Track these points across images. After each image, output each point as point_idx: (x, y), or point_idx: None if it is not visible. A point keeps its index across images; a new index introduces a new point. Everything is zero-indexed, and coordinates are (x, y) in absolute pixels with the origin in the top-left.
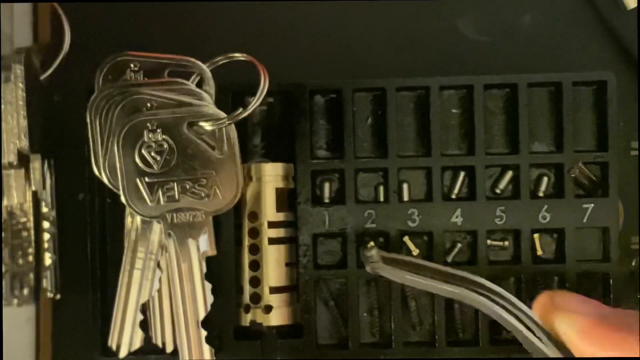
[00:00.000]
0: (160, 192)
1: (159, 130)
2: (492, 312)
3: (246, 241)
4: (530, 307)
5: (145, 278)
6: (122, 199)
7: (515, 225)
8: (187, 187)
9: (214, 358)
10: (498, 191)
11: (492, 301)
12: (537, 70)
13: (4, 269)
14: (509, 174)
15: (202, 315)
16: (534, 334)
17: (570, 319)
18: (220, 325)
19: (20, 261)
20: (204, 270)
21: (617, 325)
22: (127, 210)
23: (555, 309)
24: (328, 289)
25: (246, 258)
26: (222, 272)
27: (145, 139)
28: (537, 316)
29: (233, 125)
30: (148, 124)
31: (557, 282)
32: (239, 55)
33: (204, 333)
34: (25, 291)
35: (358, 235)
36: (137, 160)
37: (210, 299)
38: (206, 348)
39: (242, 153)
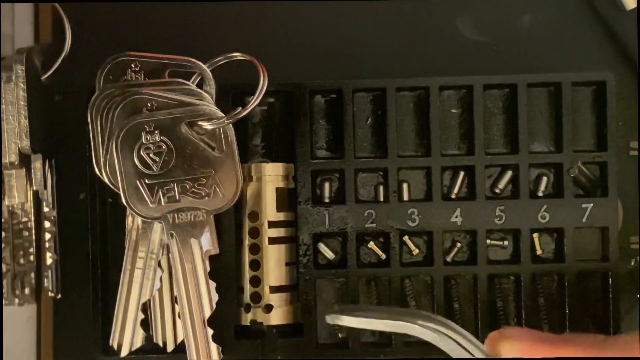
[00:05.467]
0: (160, 193)
1: (156, 132)
2: (441, 344)
3: (247, 241)
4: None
5: (146, 277)
6: (123, 201)
7: (515, 225)
8: (187, 187)
9: (222, 356)
10: (497, 191)
11: (442, 334)
12: (537, 70)
13: (5, 269)
14: (509, 174)
15: (207, 313)
16: None
17: (512, 344)
18: (221, 324)
19: (22, 261)
20: (208, 269)
21: (552, 344)
22: (128, 209)
23: (501, 339)
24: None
25: (247, 257)
26: (222, 271)
27: (144, 140)
28: (487, 349)
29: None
30: (145, 126)
31: (557, 282)
32: (239, 55)
33: (210, 332)
34: (27, 291)
35: (358, 235)
36: (136, 162)
37: (215, 297)
38: (213, 347)
39: (243, 153)
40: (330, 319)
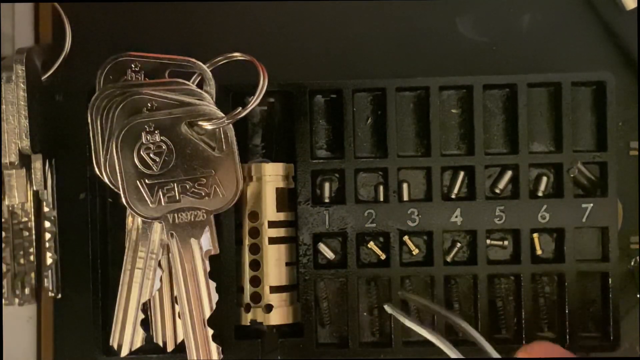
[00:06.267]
0: (160, 193)
1: (156, 132)
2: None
3: (247, 241)
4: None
5: (146, 277)
6: (123, 201)
7: (515, 225)
8: (187, 187)
9: (222, 356)
10: (497, 191)
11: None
12: (537, 70)
13: (5, 269)
14: (509, 174)
15: (207, 313)
16: None
17: None
18: (221, 324)
19: (22, 261)
20: (208, 269)
21: None
22: (128, 209)
23: (523, 353)
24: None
25: (247, 257)
26: (222, 271)
27: (144, 140)
28: None
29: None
30: (145, 126)
31: (557, 282)
32: (239, 55)
33: (210, 332)
34: (27, 290)
35: (358, 235)
36: (137, 162)
37: (215, 297)
38: (213, 347)
39: (243, 153)
40: (389, 308)
